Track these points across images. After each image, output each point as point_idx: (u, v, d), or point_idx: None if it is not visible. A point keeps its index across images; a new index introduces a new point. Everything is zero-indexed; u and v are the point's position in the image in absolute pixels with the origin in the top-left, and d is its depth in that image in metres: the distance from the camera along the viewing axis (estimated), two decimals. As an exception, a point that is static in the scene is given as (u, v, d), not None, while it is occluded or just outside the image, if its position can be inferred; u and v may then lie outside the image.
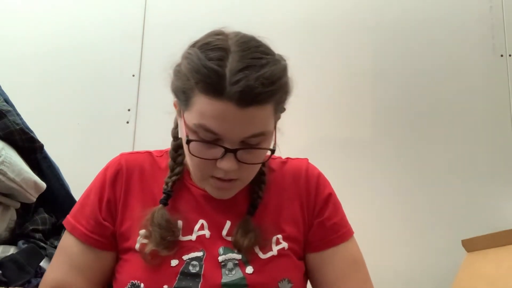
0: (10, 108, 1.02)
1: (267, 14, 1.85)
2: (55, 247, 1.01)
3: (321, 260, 0.86)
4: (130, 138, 1.78)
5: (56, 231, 1.06)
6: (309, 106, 1.76)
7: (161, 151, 0.92)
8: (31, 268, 0.91)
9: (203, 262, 0.79)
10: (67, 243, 0.85)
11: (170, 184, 0.84)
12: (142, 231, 0.81)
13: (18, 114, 1.04)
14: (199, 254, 0.80)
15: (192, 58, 0.74)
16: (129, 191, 0.85)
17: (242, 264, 0.80)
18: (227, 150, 0.74)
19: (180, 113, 0.80)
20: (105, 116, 1.80)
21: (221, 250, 0.81)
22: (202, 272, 0.78)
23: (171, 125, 0.90)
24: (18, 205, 0.98)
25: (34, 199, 1.00)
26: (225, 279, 0.78)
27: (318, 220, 0.87)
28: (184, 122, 0.76)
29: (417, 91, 1.76)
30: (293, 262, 0.84)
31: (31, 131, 1.04)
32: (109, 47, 1.87)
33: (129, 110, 1.81)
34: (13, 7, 1.93)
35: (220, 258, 0.80)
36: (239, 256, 0.80)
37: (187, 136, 0.76)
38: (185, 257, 0.80)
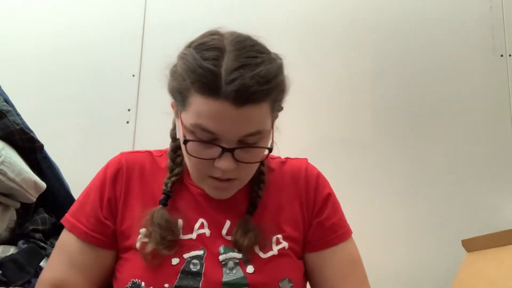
0: (10, 108, 1.02)
1: (267, 14, 1.85)
2: (55, 247, 1.01)
3: (320, 260, 0.86)
4: (130, 138, 1.78)
5: (56, 231, 1.06)
6: (309, 106, 1.76)
7: (160, 151, 0.92)
8: (31, 268, 0.91)
9: (203, 260, 0.80)
10: (66, 241, 0.85)
11: (169, 185, 0.84)
12: (143, 230, 0.81)
13: (18, 114, 1.04)
14: (200, 252, 0.80)
15: (187, 58, 0.74)
16: (129, 190, 0.86)
17: (242, 263, 0.80)
18: (224, 150, 0.74)
19: (177, 114, 0.80)
20: (105, 116, 1.80)
21: (221, 249, 0.81)
22: (203, 271, 0.78)
23: (171, 125, 0.90)
24: (18, 205, 0.98)
25: (34, 199, 1.00)
26: (226, 278, 0.78)
27: (317, 220, 0.87)
28: (181, 122, 0.77)
29: (417, 91, 1.76)
30: (294, 262, 0.84)
31: (31, 131, 1.04)
32: (109, 47, 1.87)
33: (129, 110, 1.81)
34: (13, 7, 1.93)
35: (221, 257, 0.80)
36: (239, 255, 0.80)
37: (184, 136, 0.76)
38: (185, 256, 0.80)
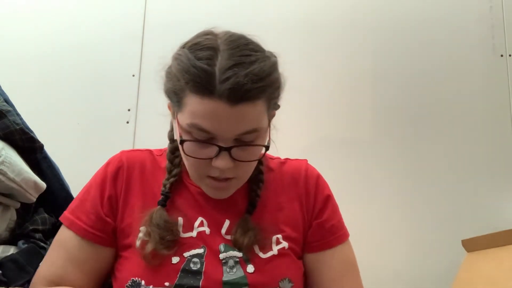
0: (10, 108, 1.01)
1: (267, 14, 1.85)
2: (55, 247, 1.01)
3: (319, 261, 0.87)
4: (130, 138, 1.78)
5: (56, 231, 1.06)
6: (309, 106, 1.76)
7: (160, 150, 0.92)
8: (31, 268, 0.91)
9: (204, 259, 0.80)
10: (65, 238, 0.84)
11: (168, 186, 0.85)
12: (143, 228, 0.81)
13: (18, 114, 1.03)
14: (200, 251, 0.80)
15: (181, 58, 0.74)
16: (129, 188, 0.86)
17: (243, 262, 0.80)
18: (221, 149, 0.74)
19: (174, 115, 0.80)
20: (105, 116, 1.80)
21: (221, 247, 0.81)
22: (203, 269, 0.78)
23: (169, 127, 0.90)
24: (18, 205, 0.98)
25: (34, 199, 1.00)
26: (226, 277, 0.78)
27: (317, 221, 0.88)
28: (178, 123, 0.77)
29: (417, 91, 1.76)
30: (294, 262, 0.84)
31: (31, 131, 1.04)
32: (109, 47, 1.87)
33: (129, 110, 1.81)
34: (13, 7, 1.93)
35: (221, 256, 0.80)
36: (240, 254, 0.81)
37: (180, 136, 0.76)
38: (186, 254, 0.80)
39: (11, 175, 0.91)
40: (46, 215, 1.05)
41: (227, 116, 0.71)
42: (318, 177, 0.91)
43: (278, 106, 0.83)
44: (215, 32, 0.78)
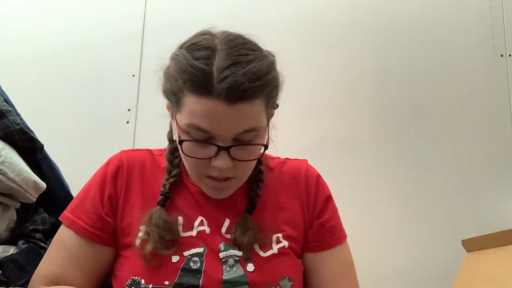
0: (10, 108, 1.01)
1: (267, 14, 1.85)
2: (55, 247, 1.01)
3: (318, 261, 0.87)
4: (130, 138, 1.78)
5: (56, 231, 1.06)
6: (309, 106, 1.76)
7: (160, 150, 0.92)
8: (31, 268, 0.91)
9: (203, 258, 0.80)
10: (64, 237, 0.84)
11: (167, 186, 0.85)
12: (143, 227, 0.82)
13: (18, 114, 1.03)
14: (200, 250, 0.80)
15: (179, 59, 0.74)
16: (129, 187, 0.86)
17: (243, 261, 0.80)
18: (220, 148, 0.74)
19: (172, 116, 0.80)
20: (105, 116, 1.80)
21: (222, 246, 0.81)
22: (203, 268, 0.78)
23: (168, 127, 0.90)
24: (18, 205, 0.98)
25: (34, 199, 1.00)
26: (226, 275, 0.78)
27: (318, 221, 0.88)
28: (176, 123, 0.77)
29: (417, 91, 1.76)
30: (294, 261, 0.85)
31: (31, 131, 1.04)
32: (109, 47, 1.87)
33: (129, 110, 1.81)
34: (13, 7, 1.93)
35: (221, 255, 0.80)
36: (240, 253, 0.81)
37: (179, 136, 0.76)
38: (186, 253, 0.80)
39: (11, 175, 0.91)
40: (46, 215, 1.05)
41: (225, 115, 0.72)
42: (318, 177, 0.92)
43: (277, 105, 0.83)
44: (213, 32, 0.78)
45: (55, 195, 1.08)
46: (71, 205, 0.87)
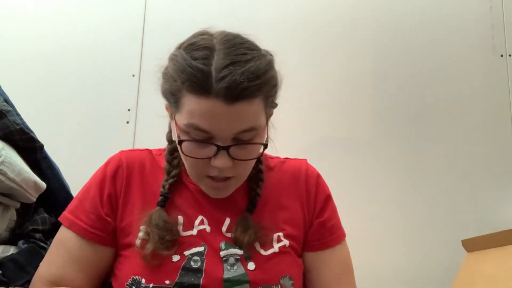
0: (10, 108, 1.01)
1: (267, 14, 1.85)
2: (55, 247, 1.01)
3: (317, 260, 0.87)
4: (130, 138, 1.78)
5: (56, 231, 1.06)
6: (309, 106, 1.76)
7: (159, 150, 0.92)
8: (31, 268, 0.91)
9: (204, 256, 0.80)
10: (65, 238, 0.84)
11: (167, 186, 0.85)
12: (143, 227, 0.81)
13: (18, 114, 1.03)
14: (201, 249, 0.80)
15: (177, 59, 0.75)
16: (129, 187, 0.86)
17: (243, 259, 0.80)
18: (219, 148, 0.74)
19: (172, 116, 0.80)
20: (105, 116, 1.80)
21: (222, 245, 0.81)
22: (204, 267, 0.78)
23: (167, 128, 0.90)
24: (18, 205, 0.98)
25: (34, 199, 1.00)
26: (227, 274, 0.78)
27: (318, 220, 0.88)
28: (176, 123, 0.77)
29: (417, 91, 1.76)
30: (294, 259, 0.85)
31: (31, 131, 1.04)
32: (109, 47, 1.87)
33: (129, 110, 1.81)
34: (13, 7, 1.93)
35: (222, 253, 0.80)
36: (240, 252, 0.81)
37: (178, 137, 0.76)
38: (186, 253, 0.80)
39: (11, 175, 0.91)
40: (46, 215, 1.05)
41: (224, 115, 0.72)
42: (318, 176, 0.92)
43: (276, 105, 0.83)
44: (211, 32, 0.78)
45: (55, 195, 1.08)
46: (71, 205, 0.87)
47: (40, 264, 0.86)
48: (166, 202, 0.84)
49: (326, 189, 0.92)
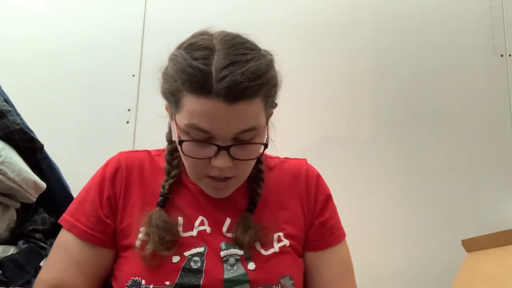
0: (10, 108, 1.01)
1: (267, 14, 1.85)
2: (55, 247, 1.01)
3: (318, 260, 0.87)
4: (130, 138, 1.78)
5: (56, 231, 1.05)
6: (309, 106, 1.76)
7: (158, 150, 0.92)
8: (31, 268, 0.91)
9: (204, 257, 0.80)
10: (65, 241, 0.84)
11: (166, 187, 0.85)
12: (143, 228, 0.81)
13: (18, 114, 1.03)
14: (201, 249, 0.80)
15: (177, 59, 0.75)
16: (129, 189, 0.86)
17: (244, 259, 0.80)
18: (220, 148, 0.74)
19: (172, 116, 0.80)
20: (105, 116, 1.80)
21: (223, 245, 0.81)
22: (204, 268, 0.78)
23: (167, 128, 0.90)
24: (18, 205, 0.98)
25: (34, 199, 1.00)
26: (227, 274, 0.78)
27: (319, 220, 0.88)
28: (176, 123, 0.77)
29: (417, 91, 1.76)
30: (294, 259, 0.85)
31: (31, 131, 1.04)
32: (109, 47, 1.87)
33: (129, 110, 1.81)
34: (13, 7, 1.93)
35: (222, 253, 0.80)
36: (241, 252, 0.81)
37: (179, 137, 0.76)
38: (186, 254, 0.80)
39: (11, 175, 0.91)
40: (46, 215, 1.05)
41: (224, 115, 0.72)
42: (318, 176, 0.92)
43: (276, 105, 0.83)
44: (210, 32, 0.78)
45: (55, 195, 1.08)
46: (71, 207, 0.87)
47: (41, 268, 0.86)
48: (166, 202, 0.84)
49: (326, 189, 0.92)
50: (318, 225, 0.88)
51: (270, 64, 0.78)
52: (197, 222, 0.83)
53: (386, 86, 1.77)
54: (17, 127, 0.99)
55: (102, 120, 1.80)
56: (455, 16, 1.80)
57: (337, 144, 1.73)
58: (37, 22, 1.91)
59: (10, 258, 0.89)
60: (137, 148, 1.76)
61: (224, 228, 0.83)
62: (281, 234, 0.85)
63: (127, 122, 1.80)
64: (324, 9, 1.84)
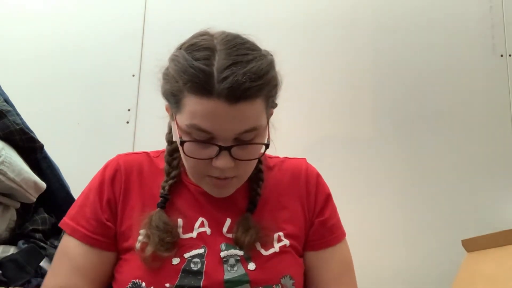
0: (10, 108, 1.02)
1: (267, 14, 1.85)
2: (55, 247, 1.01)
3: (319, 259, 0.87)
4: (130, 138, 1.78)
5: (56, 231, 1.06)
6: (309, 106, 1.76)
7: (157, 152, 0.92)
8: (31, 268, 0.91)
9: (204, 258, 0.80)
10: (68, 246, 0.84)
11: (166, 188, 0.84)
12: (143, 231, 0.81)
13: (18, 114, 1.04)
14: (200, 251, 0.80)
15: (178, 59, 0.74)
16: (128, 191, 0.85)
17: (244, 260, 0.80)
18: (221, 148, 0.74)
19: (172, 117, 0.80)
20: (105, 116, 1.81)
21: (223, 246, 0.81)
22: (204, 269, 0.78)
23: (167, 129, 0.90)
24: (18, 205, 0.98)
25: (34, 199, 1.00)
26: (227, 275, 0.78)
27: (319, 219, 0.88)
28: (177, 124, 0.77)
29: (417, 91, 1.76)
30: (295, 259, 0.85)
31: (31, 131, 1.04)
32: (109, 47, 1.87)
33: (129, 110, 1.81)
34: (13, 7, 1.93)
35: (222, 254, 0.80)
36: (241, 253, 0.81)
37: (180, 137, 0.76)
38: (186, 255, 0.80)
39: (11, 175, 0.91)
40: (46, 215, 1.05)
41: (226, 115, 0.72)
42: (318, 176, 0.92)
43: (276, 105, 0.83)
44: (211, 33, 0.78)
45: (55, 195, 1.08)
46: (71, 211, 0.87)
47: (46, 276, 0.85)
48: (166, 203, 0.84)
49: (326, 188, 0.92)
50: (318, 225, 0.88)
51: (271, 65, 0.78)
52: (197, 224, 0.83)
53: (386, 86, 1.78)
54: (17, 127, 1.00)
55: (102, 120, 1.80)
56: (455, 16, 1.80)
57: (337, 144, 1.73)
58: (37, 22, 1.91)
59: (10, 258, 0.90)
60: (137, 148, 1.76)
61: (224, 229, 0.83)
62: (281, 233, 0.85)
63: (127, 122, 1.80)
64: (324, 9, 1.84)
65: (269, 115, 0.81)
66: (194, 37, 0.78)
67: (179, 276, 0.78)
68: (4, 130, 0.98)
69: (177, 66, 0.74)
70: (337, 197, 0.93)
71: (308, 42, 1.82)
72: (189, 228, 0.83)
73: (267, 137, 0.80)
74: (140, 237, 0.81)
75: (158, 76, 0.80)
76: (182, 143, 0.76)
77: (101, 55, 1.86)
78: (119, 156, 0.90)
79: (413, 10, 1.82)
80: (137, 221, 0.83)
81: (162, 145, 0.92)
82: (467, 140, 1.70)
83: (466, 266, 1.40)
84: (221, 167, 0.75)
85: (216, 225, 0.83)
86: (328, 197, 0.91)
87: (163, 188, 0.85)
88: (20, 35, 1.89)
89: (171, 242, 0.79)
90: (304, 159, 0.94)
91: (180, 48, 0.77)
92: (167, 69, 0.78)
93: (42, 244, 0.99)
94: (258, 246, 0.82)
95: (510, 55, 1.76)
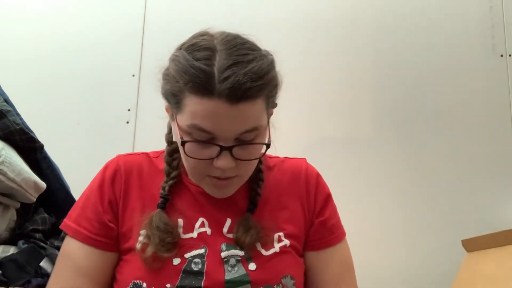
0: (10, 108, 1.02)
1: (267, 14, 1.85)
2: (55, 247, 1.01)
3: (319, 259, 0.88)
4: (130, 138, 1.78)
5: (56, 231, 1.06)
6: (310, 106, 1.76)
7: (157, 152, 0.92)
8: (31, 268, 0.91)
9: (205, 259, 0.80)
10: (70, 248, 0.84)
11: (166, 188, 0.84)
12: (143, 231, 0.81)
13: (18, 114, 1.04)
14: (201, 251, 0.80)
15: (179, 60, 0.74)
16: (128, 192, 0.85)
17: (244, 260, 0.80)
18: (222, 148, 0.74)
19: (173, 117, 0.80)
20: (105, 116, 1.80)
21: (223, 246, 0.81)
22: (205, 270, 0.78)
23: (166, 130, 0.90)
24: (18, 205, 0.98)
25: (34, 199, 1.00)
26: (228, 276, 0.78)
27: (319, 219, 0.88)
28: (177, 124, 0.77)
29: (417, 91, 1.76)
30: (295, 259, 0.85)
31: (31, 131, 1.04)
32: (109, 47, 1.87)
33: (129, 110, 1.81)
34: (13, 7, 1.93)
35: (223, 254, 0.80)
36: (241, 253, 0.81)
37: (181, 137, 0.76)
38: (187, 256, 0.80)
39: (11, 175, 0.91)
40: (46, 215, 1.05)
41: (227, 115, 0.71)
42: (318, 176, 0.92)
43: (276, 105, 0.83)
44: (211, 33, 0.78)
45: (55, 195, 1.08)
46: (73, 213, 0.86)
47: (49, 279, 0.85)
48: (166, 203, 0.84)
49: (326, 188, 0.92)
50: (318, 225, 0.88)
51: (271, 65, 0.78)
52: (197, 224, 0.83)
53: (386, 86, 1.78)
54: (17, 127, 1.00)
55: (102, 120, 1.80)
56: (455, 16, 1.80)
57: (337, 144, 1.73)
58: (37, 22, 1.91)
59: (10, 258, 0.90)
60: (137, 148, 1.76)
61: (225, 229, 0.83)
62: (281, 234, 0.85)
63: (127, 122, 1.80)
64: (324, 9, 1.84)
65: (269, 115, 0.81)
66: (194, 37, 0.78)
67: (179, 277, 0.78)
68: (4, 130, 0.98)
69: (178, 66, 0.74)
70: (337, 197, 0.93)
71: (308, 42, 1.82)
72: (189, 228, 0.83)
73: (267, 137, 0.80)
74: (140, 238, 0.81)
75: (158, 76, 0.80)
76: (183, 143, 0.76)
77: (101, 55, 1.86)
78: (119, 156, 0.90)
79: (413, 10, 1.82)
80: (138, 222, 0.83)
81: (162, 145, 0.92)
82: (467, 140, 1.70)
83: (466, 266, 1.40)
84: (222, 167, 0.75)
85: (216, 225, 0.83)
86: (328, 197, 0.91)
87: (163, 188, 0.85)
88: (20, 35, 1.89)
89: (171, 243, 0.79)
90: (304, 159, 0.94)
91: (180, 48, 0.77)
92: (167, 69, 0.78)
93: (42, 244, 0.99)
94: (258, 246, 0.82)
95: (510, 55, 1.76)
